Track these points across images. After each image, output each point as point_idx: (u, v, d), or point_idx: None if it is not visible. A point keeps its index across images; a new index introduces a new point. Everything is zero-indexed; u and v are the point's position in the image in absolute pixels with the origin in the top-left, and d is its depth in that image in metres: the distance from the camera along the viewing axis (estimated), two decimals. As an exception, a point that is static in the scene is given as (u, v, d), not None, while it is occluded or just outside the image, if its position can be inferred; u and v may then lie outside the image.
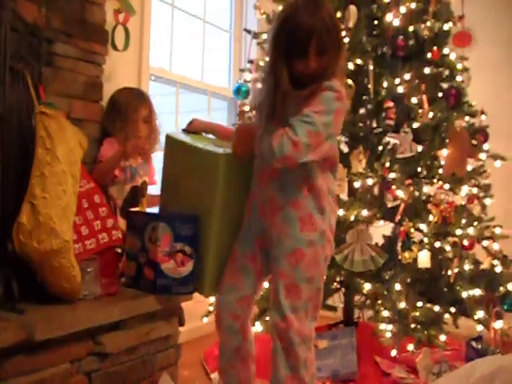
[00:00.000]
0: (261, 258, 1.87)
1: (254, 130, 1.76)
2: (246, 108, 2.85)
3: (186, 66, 3.53)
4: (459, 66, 2.75)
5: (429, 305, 2.54)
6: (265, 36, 2.97)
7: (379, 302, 2.57)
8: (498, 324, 2.52)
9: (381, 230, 2.63)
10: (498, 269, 2.71)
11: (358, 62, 2.63)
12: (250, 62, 2.99)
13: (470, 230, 2.53)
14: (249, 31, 3.14)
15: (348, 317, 2.87)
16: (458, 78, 2.72)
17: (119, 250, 2.08)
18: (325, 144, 1.66)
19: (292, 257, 1.75)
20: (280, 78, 1.67)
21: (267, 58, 1.78)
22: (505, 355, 2.35)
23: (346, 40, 2.57)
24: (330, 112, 1.64)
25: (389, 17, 2.64)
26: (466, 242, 2.52)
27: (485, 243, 2.74)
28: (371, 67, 2.58)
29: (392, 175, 2.46)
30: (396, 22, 2.65)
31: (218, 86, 3.66)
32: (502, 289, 2.61)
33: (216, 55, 3.82)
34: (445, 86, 2.72)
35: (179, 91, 3.33)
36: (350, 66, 2.60)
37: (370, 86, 2.57)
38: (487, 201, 2.73)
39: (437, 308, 2.55)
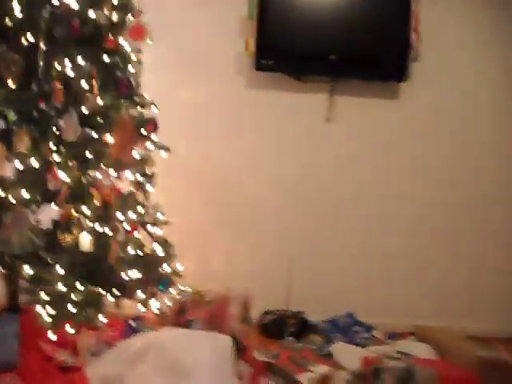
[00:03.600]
0: None
1: None
2: None
3: None
4: (133, 58, 2.85)
5: (91, 287, 2.59)
6: None
7: (41, 285, 2.53)
8: (154, 303, 2.71)
9: (44, 213, 2.58)
10: (160, 253, 2.91)
11: (30, 39, 2.54)
12: None
13: (132, 215, 2.66)
14: None
15: (12, 303, 2.77)
16: (132, 69, 2.82)
17: None
18: None
19: None
20: None
21: None
22: (157, 331, 2.55)
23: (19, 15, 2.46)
24: None
25: (66, -3, 2.59)
26: (127, 227, 2.64)
27: (149, 229, 2.92)
28: (43, 46, 2.52)
29: (57, 158, 2.44)
30: (74, 5, 2.62)
31: None
32: (160, 270, 2.80)
33: None
34: (118, 74, 2.79)
35: None
36: (22, 42, 2.50)
37: (40, 64, 2.50)
38: (150, 188, 2.89)
39: (100, 291, 2.62)
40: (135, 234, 2.78)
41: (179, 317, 2.70)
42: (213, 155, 3.64)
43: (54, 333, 2.53)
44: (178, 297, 2.68)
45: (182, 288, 2.85)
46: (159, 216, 2.95)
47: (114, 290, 2.72)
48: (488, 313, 3.88)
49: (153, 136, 2.92)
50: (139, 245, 2.80)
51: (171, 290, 2.82)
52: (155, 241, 2.87)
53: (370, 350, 3.07)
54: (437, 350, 3.22)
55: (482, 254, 3.92)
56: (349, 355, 2.95)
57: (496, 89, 3.85)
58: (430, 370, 2.51)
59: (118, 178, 2.68)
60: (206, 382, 2.20)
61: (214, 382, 2.21)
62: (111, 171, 2.61)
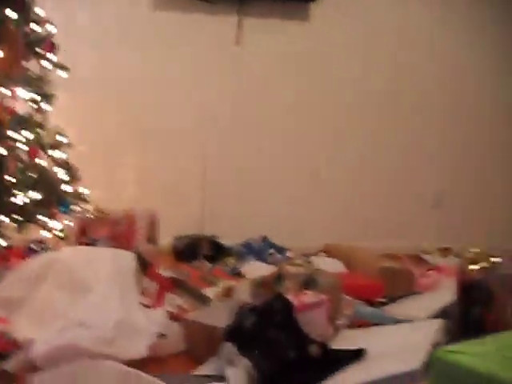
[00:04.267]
0: None
1: None
2: None
3: None
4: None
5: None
6: None
7: None
8: (56, 225, 2.65)
9: None
10: (62, 175, 2.82)
11: None
12: None
13: (29, 135, 2.55)
14: None
15: None
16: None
17: None
18: None
19: None
20: None
21: None
22: (57, 250, 2.50)
23: None
24: None
25: None
26: (25, 147, 2.54)
27: (50, 151, 2.82)
28: None
29: None
30: None
31: None
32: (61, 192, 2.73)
33: None
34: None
35: None
36: None
37: None
38: (48, 108, 2.78)
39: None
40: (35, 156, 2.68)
41: (82, 237, 2.65)
42: (120, 79, 3.53)
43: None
44: (80, 217, 2.62)
45: (84, 207, 2.80)
46: (61, 138, 2.85)
47: (16, 215, 2.64)
48: (397, 232, 4.01)
49: (51, 55, 2.80)
50: (39, 167, 2.71)
51: (73, 210, 2.75)
52: (56, 163, 2.78)
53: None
54: (346, 265, 3.32)
55: (394, 178, 4.03)
56: (259, 272, 2.98)
57: (405, 7, 3.89)
58: (333, 277, 2.57)
59: (11, 96, 2.55)
60: (107, 296, 2.17)
61: (115, 295, 2.19)
62: (1, 88, 2.48)
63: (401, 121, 4.00)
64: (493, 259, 2.27)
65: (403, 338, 2.19)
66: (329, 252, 3.58)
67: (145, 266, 2.52)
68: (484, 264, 2.31)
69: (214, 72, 3.67)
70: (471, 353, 1.09)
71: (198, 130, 3.69)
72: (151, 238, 2.89)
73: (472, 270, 2.29)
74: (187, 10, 3.56)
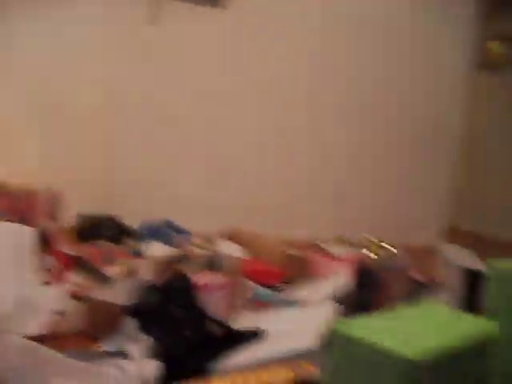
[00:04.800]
0: None
1: None
2: None
3: None
4: None
5: None
6: None
7: None
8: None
9: None
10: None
11: None
12: None
13: None
14: None
15: None
16: None
17: None
18: None
19: None
20: None
21: None
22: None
23: None
24: None
25: None
26: None
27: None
28: None
29: None
30: None
31: None
32: None
33: None
34: None
35: None
36: None
37: None
38: None
39: None
40: None
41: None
42: (23, 51, 3.39)
43: None
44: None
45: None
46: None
47: None
48: (305, 222, 4.14)
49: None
50: None
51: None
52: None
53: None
54: (248, 250, 3.39)
55: (308, 168, 4.16)
56: (162, 253, 2.98)
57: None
58: (235, 260, 2.63)
59: None
60: (3, 271, 2.11)
61: (12, 270, 2.13)
62: None
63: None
64: (385, 247, 2.42)
65: (300, 319, 2.29)
66: (232, 237, 3.64)
67: (45, 242, 2.46)
68: (376, 252, 2.47)
69: (125, 52, 3.60)
70: (365, 326, 1.17)
71: (106, 113, 3.61)
72: (53, 216, 2.81)
73: (365, 258, 2.45)
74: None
